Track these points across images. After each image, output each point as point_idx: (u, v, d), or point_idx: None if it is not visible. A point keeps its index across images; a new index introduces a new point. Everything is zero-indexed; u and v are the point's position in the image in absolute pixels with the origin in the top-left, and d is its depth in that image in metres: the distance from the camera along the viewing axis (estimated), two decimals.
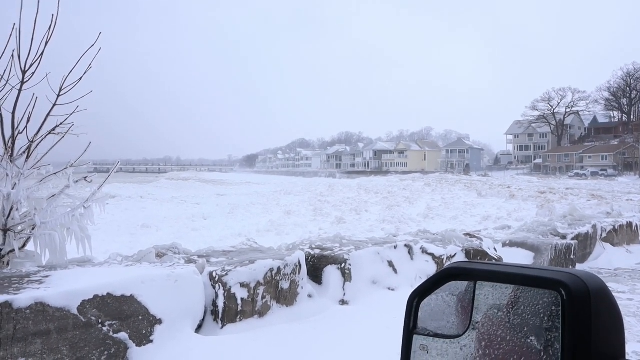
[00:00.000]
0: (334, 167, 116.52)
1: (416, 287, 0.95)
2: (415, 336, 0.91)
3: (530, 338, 0.77)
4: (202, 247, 5.84)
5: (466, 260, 6.02)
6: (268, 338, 4.00)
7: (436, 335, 0.89)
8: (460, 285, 0.90)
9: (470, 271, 0.88)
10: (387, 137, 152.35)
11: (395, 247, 5.94)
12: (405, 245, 6.05)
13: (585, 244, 9.16)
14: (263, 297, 4.42)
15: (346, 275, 5.19)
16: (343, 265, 5.22)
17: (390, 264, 5.72)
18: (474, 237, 7.26)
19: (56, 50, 4.56)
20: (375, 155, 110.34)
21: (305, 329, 4.25)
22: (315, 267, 5.25)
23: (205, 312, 4.17)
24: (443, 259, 6.06)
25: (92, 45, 4.50)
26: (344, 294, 5.11)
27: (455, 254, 6.16)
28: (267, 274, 4.47)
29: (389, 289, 5.47)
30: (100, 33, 4.60)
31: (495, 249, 7.02)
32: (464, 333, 0.85)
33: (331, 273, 5.18)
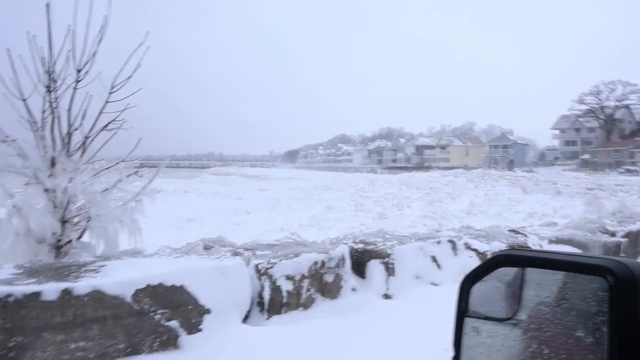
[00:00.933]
0: (375, 163, 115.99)
1: (467, 272, 0.99)
2: (466, 319, 0.96)
3: (578, 321, 0.81)
4: (246, 241, 5.96)
5: (515, 248, 5.97)
6: (312, 330, 4.08)
7: (487, 318, 0.93)
8: (509, 272, 0.93)
9: (520, 258, 0.92)
10: (428, 132, 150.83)
11: (438, 243, 5.92)
12: (449, 241, 6.03)
13: (635, 242, 8.87)
14: (307, 290, 4.50)
15: (389, 270, 5.22)
16: (386, 259, 5.24)
17: (434, 259, 5.71)
18: (519, 233, 7.17)
19: (108, 49, 4.73)
20: (417, 150, 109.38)
21: (349, 321, 4.30)
22: (359, 261, 5.29)
23: (251, 304, 4.27)
24: (487, 255, 6.01)
25: (141, 44, 4.66)
26: (387, 288, 5.14)
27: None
28: (311, 267, 4.54)
29: (432, 284, 5.46)
30: (148, 32, 4.76)
31: (540, 246, 6.90)
32: (513, 316, 0.89)
33: (374, 267, 5.21)
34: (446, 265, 5.75)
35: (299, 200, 27.36)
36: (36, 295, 3.22)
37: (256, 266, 4.38)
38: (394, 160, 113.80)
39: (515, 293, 0.91)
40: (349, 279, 4.94)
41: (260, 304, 4.32)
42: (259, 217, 19.42)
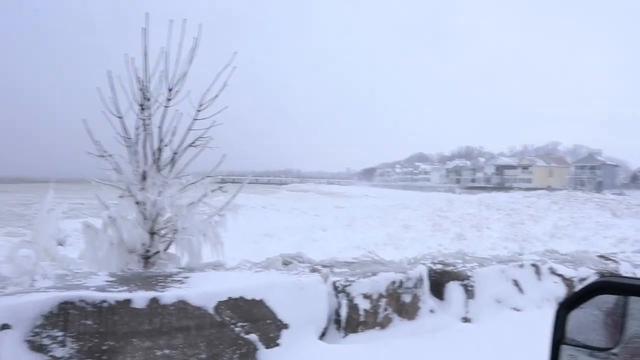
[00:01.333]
0: (453, 182, 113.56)
1: (563, 298, 0.96)
2: (562, 346, 0.92)
3: None
4: (323, 258, 6.00)
5: (616, 274, 5.64)
6: (389, 350, 4.03)
7: (585, 347, 0.89)
8: (609, 300, 0.89)
9: (622, 286, 0.87)
10: (509, 151, 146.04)
11: (521, 266, 5.70)
12: (532, 265, 5.79)
13: None
14: (385, 309, 4.46)
15: (469, 292, 5.08)
16: (466, 281, 5.11)
17: (516, 283, 5.51)
18: (609, 259, 6.77)
19: (197, 69, 4.96)
20: (497, 170, 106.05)
21: (427, 343, 4.22)
22: (437, 282, 5.19)
23: (328, 321, 4.28)
24: (574, 281, 5.72)
25: (227, 65, 4.85)
26: (467, 311, 5.00)
27: (588, 277, 5.79)
28: (389, 286, 4.51)
29: (513, 309, 5.26)
30: (235, 53, 4.95)
31: (633, 274, 6.48)
32: (615, 346, 0.85)
33: (453, 289, 5.09)
34: (529, 290, 5.52)
35: (375, 219, 27.21)
36: (127, 302, 3.40)
37: (334, 283, 4.40)
38: (473, 180, 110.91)
39: (617, 322, 0.86)
40: (427, 300, 4.85)
41: (337, 321, 4.32)
42: (335, 234, 19.48)
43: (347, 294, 4.31)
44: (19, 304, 3.28)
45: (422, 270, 4.87)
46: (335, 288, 4.36)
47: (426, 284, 4.88)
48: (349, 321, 4.29)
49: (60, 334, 3.27)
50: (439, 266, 5.36)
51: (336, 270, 4.81)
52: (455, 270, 5.24)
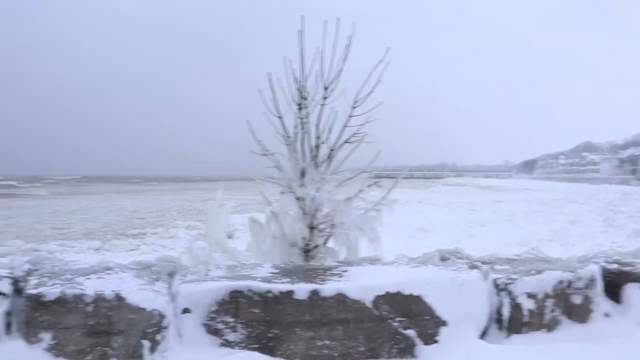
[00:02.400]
0: (627, 173, 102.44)
1: None
2: None
3: None
4: (480, 254, 5.75)
5: None
6: (559, 355, 3.74)
7: None
8: None
9: None
10: None
11: None
12: None
13: None
14: (552, 310, 4.16)
15: None
16: None
17: None
18: None
19: (357, 68, 5.03)
20: None
21: (602, 352, 3.83)
22: (612, 284, 4.70)
23: (489, 320, 4.11)
24: None
25: (381, 61, 4.85)
26: None
27: None
28: (556, 286, 4.19)
29: None
30: (389, 48, 4.93)
31: None
32: None
33: (633, 292, 4.57)
34: None
35: (537, 213, 25.51)
36: (290, 293, 3.58)
37: (494, 281, 4.20)
38: None
39: None
40: (601, 302, 4.43)
41: (499, 321, 4.12)
42: (494, 229, 18.61)
43: (509, 293, 4.09)
44: (197, 291, 3.62)
45: (594, 270, 4.46)
46: (496, 286, 4.16)
47: (599, 284, 4.46)
48: (512, 321, 4.07)
49: (231, 320, 3.55)
50: (615, 265, 4.85)
51: (497, 267, 4.58)
52: (635, 271, 4.71)
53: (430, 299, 3.79)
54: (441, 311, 3.80)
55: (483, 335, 4.07)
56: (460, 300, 3.91)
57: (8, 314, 3.37)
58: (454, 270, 4.24)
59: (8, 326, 3.36)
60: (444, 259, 4.89)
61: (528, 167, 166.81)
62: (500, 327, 4.11)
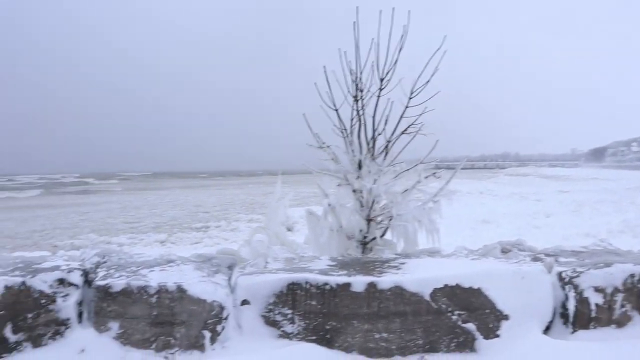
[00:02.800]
0: None
1: None
2: None
3: None
4: (545, 246, 5.56)
5: None
6: (630, 352, 3.57)
7: None
8: None
9: None
10: None
11: None
12: None
13: None
14: (622, 306, 3.96)
15: None
16: None
17: None
18: None
19: (407, 56, 4.95)
20: None
21: None
22: None
23: (553, 314, 3.97)
24: None
25: (438, 49, 4.76)
26: None
27: None
28: (626, 279, 3.99)
29: None
30: (445, 36, 4.83)
31: None
32: None
33: None
34: None
35: (607, 203, 24.34)
36: (347, 285, 3.58)
37: (559, 274, 4.05)
38: None
39: None
40: None
41: (564, 315, 3.97)
42: (560, 220, 17.91)
43: (575, 286, 3.93)
44: (256, 283, 3.68)
45: None
46: (561, 279, 4.01)
47: None
48: (578, 316, 3.91)
49: (289, 311, 3.59)
50: None
51: (561, 259, 4.41)
52: None
53: (491, 292, 3.70)
54: (502, 305, 3.70)
55: (547, 330, 3.93)
56: (523, 294, 3.80)
57: (79, 303, 3.55)
58: (515, 262, 4.12)
59: (80, 315, 3.54)
60: (505, 251, 4.77)
61: (597, 155, 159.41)
62: (566, 322, 3.95)
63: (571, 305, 3.90)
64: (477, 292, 3.69)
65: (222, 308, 3.49)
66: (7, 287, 3.30)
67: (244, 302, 3.64)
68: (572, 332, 3.89)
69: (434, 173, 4.88)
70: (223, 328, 3.50)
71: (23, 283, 3.36)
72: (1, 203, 30.19)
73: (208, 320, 3.43)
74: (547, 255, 4.65)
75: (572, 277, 3.95)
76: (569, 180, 53.42)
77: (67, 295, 3.48)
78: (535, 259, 4.38)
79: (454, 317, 3.62)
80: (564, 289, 3.97)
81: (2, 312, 3.25)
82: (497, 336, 3.67)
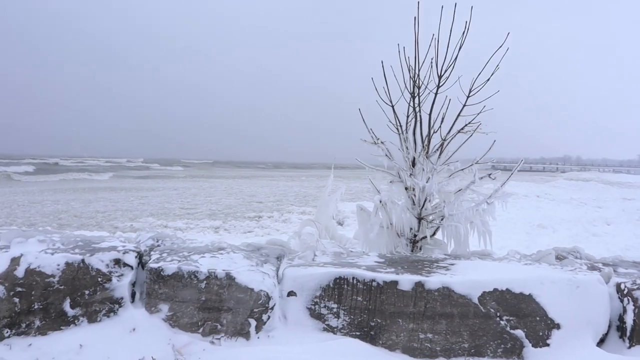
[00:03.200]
0: None
1: None
2: None
3: None
4: (604, 255, 5.36)
5: None
6: None
7: None
8: None
9: None
10: None
11: None
12: None
13: None
14: None
15: None
16: None
17: None
18: None
19: (468, 54, 4.85)
20: None
21: None
22: None
23: (609, 327, 3.81)
24: None
25: (500, 46, 4.63)
26: None
27: None
28: None
29: None
30: (509, 34, 4.70)
31: None
32: None
33: None
34: None
35: None
36: (394, 283, 3.56)
37: (617, 285, 3.88)
38: None
39: None
40: None
41: (621, 328, 3.81)
42: (621, 229, 17.16)
43: (635, 299, 3.76)
44: (303, 275, 3.71)
45: None
46: (620, 290, 3.85)
47: None
48: (636, 330, 3.74)
49: (334, 306, 3.60)
50: None
51: (621, 270, 4.24)
52: None
53: (543, 299, 3.59)
54: (554, 313, 3.58)
55: (601, 342, 3.79)
56: (576, 303, 3.67)
57: (133, 284, 3.68)
58: (570, 270, 3.99)
59: (132, 295, 3.67)
60: (560, 258, 4.62)
61: None
62: (622, 336, 3.79)
63: (629, 319, 3.74)
64: (527, 298, 3.59)
65: (268, 297, 3.53)
66: (67, 264, 3.46)
67: (291, 294, 3.68)
68: (629, 347, 3.73)
69: (490, 174, 4.77)
70: (269, 317, 3.54)
71: (82, 261, 3.52)
72: (77, 184, 31.61)
73: (254, 309, 3.48)
74: (605, 265, 4.48)
75: (631, 289, 3.78)
76: (634, 187, 51.03)
77: (121, 275, 3.62)
78: (592, 268, 4.23)
79: (502, 322, 3.53)
80: (622, 301, 3.81)
81: (62, 287, 3.41)
82: (547, 345, 3.56)
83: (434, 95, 4.77)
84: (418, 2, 4.64)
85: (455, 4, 4.52)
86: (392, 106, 4.82)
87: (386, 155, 4.89)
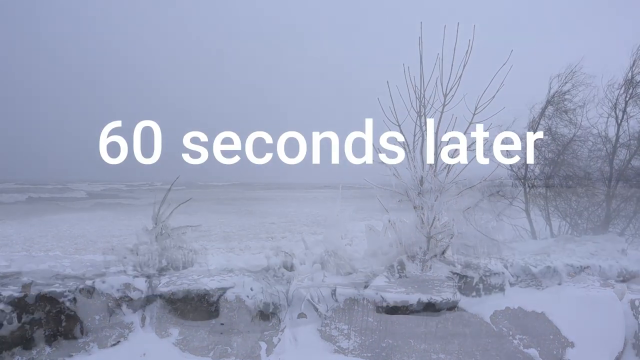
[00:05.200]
0: None
1: None
2: None
3: None
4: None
5: None
6: None
7: None
8: None
9: None
10: None
11: None
12: None
13: None
14: None
15: None
16: None
17: None
18: None
19: (472, 72, 4.85)
20: None
21: None
22: None
23: (624, 344, 3.75)
24: None
25: (504, 64, 4.64)
26: None
27: None
28: None
29: None
30: (512, 51, 4.71)
31: None
32: None
33: None
34: None
35: None
36: (404, 303, 3.53)
37: (632, 302, 3.83)
38: None
39: None
40: None
41: (636, 346, 3.76)
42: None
43: None
44: (313, 297, 3.70)
45: None
46: (634, 307, 3.80)
47: None
48: None
49: (345, 327, 3.58)
50: None
51: (634, 287, 4.19)
52: None
53: (555, 317, 3.56)
54: (567, 331, 3.54)
55: None
56: (591, 321, 3.63)
57: (143, 308, 3.68)
58: (583, 287, 3.94)
59: (143, 320, 3.67)
60: (572, 275, 4.57)
61: None
62: (639, 353, 3.73)
63: None
64: (540, 317, 3.56)
65: (279, 320, 3.52)
66: (77, 290, 3.47)
67: (301, 315, 3.66)
68: None
69: (498, 191, 4.75)
70: (279, 340, 3.53)
71: (92, 286, 3.53)
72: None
73: (265, 332, 3.47)
74: (620, 281, 4.42)
75: None
76: None
77: (131, 300, 3.62)
78: (605, 285, 4.18)
79: (515, 341, 3.49)
80: (637, 317, 3.76)
81: (72, 313, 3.42)
82: None
83: (439, 113, 4.77)
84: (421, 22, 4.69)
85: (458, 23, 4.55)
86: (399, 125, 4.83)
87: (394, 174, 4.88)
